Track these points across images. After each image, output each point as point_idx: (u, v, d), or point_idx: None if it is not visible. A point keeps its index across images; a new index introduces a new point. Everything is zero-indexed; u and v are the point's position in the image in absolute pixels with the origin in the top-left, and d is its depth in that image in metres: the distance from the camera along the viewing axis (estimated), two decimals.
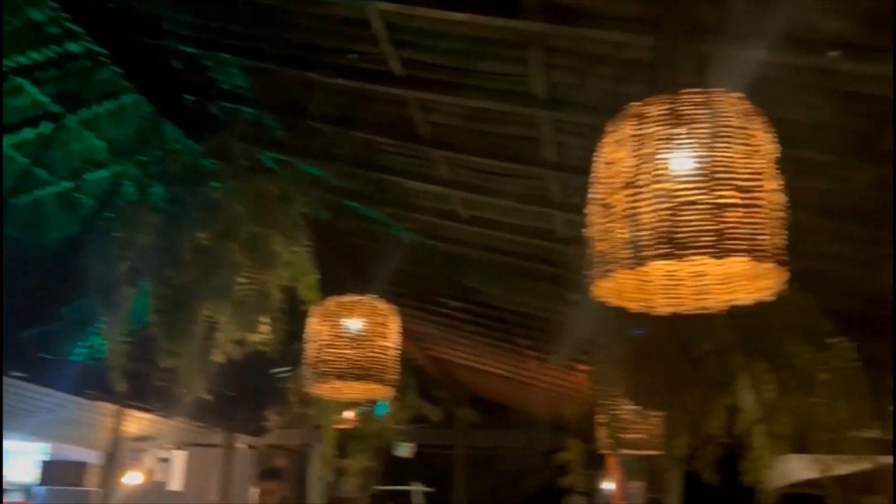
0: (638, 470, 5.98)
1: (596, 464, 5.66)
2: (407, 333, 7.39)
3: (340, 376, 3.15)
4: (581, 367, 4.61)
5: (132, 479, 7.35)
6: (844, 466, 4.15)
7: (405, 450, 7.94)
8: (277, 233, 3.39)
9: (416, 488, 9.12)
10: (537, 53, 2.67)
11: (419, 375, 8.07)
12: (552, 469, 5.47)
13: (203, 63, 3.57)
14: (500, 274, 5.36)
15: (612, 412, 3.69)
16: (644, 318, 2.54)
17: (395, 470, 9.65)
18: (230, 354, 3.26)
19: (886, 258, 3.31)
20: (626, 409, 3.70)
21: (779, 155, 1.56)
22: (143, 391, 5.23)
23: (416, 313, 7.06)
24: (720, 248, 1.44)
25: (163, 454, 7.39)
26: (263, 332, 3.21)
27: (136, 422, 6.20)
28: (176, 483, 7.32)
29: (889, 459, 4.62)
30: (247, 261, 3.18)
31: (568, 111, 2.95)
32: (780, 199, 1.53)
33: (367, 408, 5.96)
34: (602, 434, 4.05)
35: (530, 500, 10.04)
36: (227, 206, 3.35)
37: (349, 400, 3.56)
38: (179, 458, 7.37)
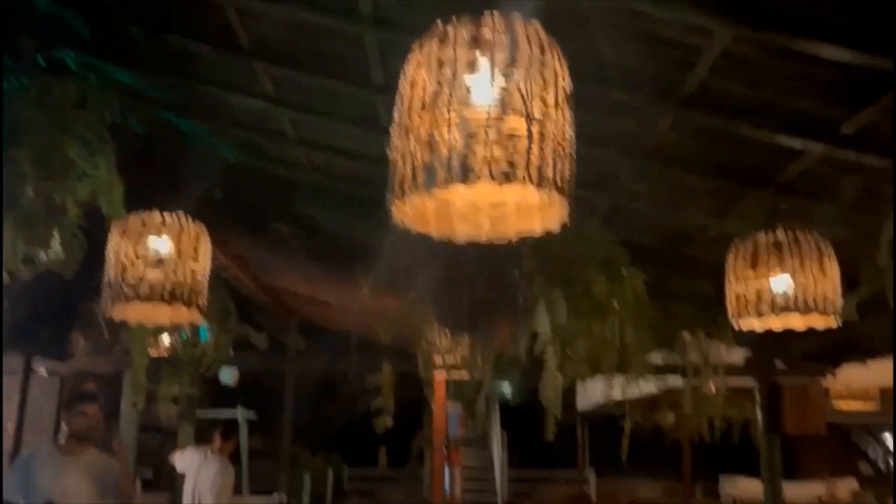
0: (457, 392, 6.26)
1: (419, 387, 5.84)
2: (233, 258, 7.15)
3: (145, 299, 2.97)
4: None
5: None
6: (638, 388, 4.56)
7: (229, 376, 7.78)
8: (75, 141, 3.09)
9: (241, 414, 9.01)
10: None
11: (246, 301, 7.87)
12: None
13: None
14: (332, 199, 5.27)
15: (426, 337, 3.79)
16: (454, 245, 2.59)
17: (224, 397, 9.48)
18: (17, 273, 2.97)
19: (683, 197, 3.58)
20: (441, 334, 3.82)
21: (572, 89, 1.59)
22: None
23: (244, 237, 6.82)
24: (508, 175, 1.47)
25: None
26: (56, 250, 2.95)
27: None
28: None
29: (676, 380, 5.13)
30: (36, 170, 2.87)
31: (392, 31, 2.88)
32: (570, 132, 1.57)
33: (188, 333, 5.75)
34: (420, 358, 4.17)
35: (358, 424, 10.26)
36: (15, 109, 3.00)
37: (157, 324, 3.39)
38: None
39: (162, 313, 3.17)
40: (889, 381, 7.13)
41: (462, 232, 1.85)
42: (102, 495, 3.71)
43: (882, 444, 16.06)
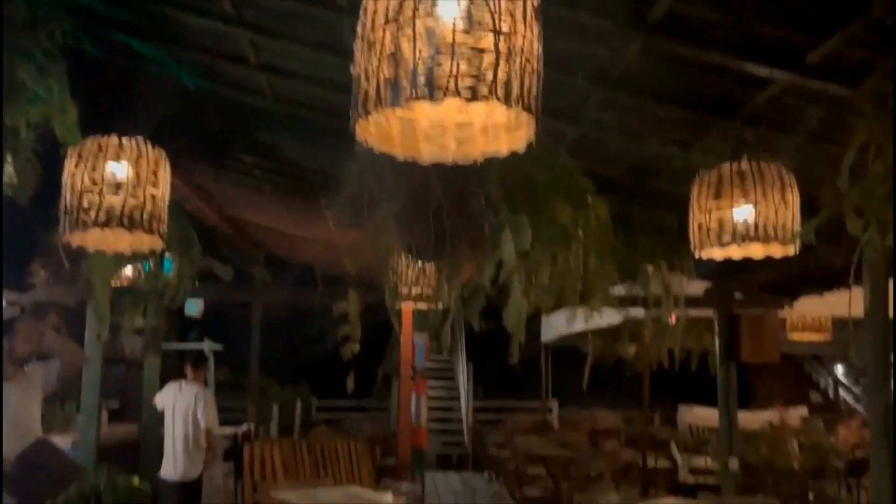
0: (423, 323, 6.33)
1: (385, 318, 5.89)
2: (195, 190, 7.02)
3: (103, 225, 2.90)
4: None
5: None
6: (600, 319, 4.64)
7: (194, 308, 7.74)
8: (25, 62, 2.96)
9: (207, 346, 9.02)
10: None
11: (209, 233, 7.78)
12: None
13: None
14: (295, 128, 5.17)
15: (392, 267, 3.79)
16: (419, 172, 2.56)
17: (190, 329, 9.48)
18: None
19: (649, 127, 3.58)
20: (407, 264, 3.82)
21: (540, 4, 1.56)
22: None
23: (207, 168, 6.69)
24: (474, 91, 1.44)
25: None
26: (9, 173, 2.86)
27: None
28: None
29: (638, 312, 5.23)
30: None
31: None
32: (538, 48, 1.54)
33: (151, 264, 5.67)
34: (386, 288, 4.18)
35: (325, 356, 10.35)
36: None
37: (117, 250, 3.32)
38: None
39: (122, 240, 3.11)
40: (842, 312, 7.37)
41: (427, 152, 1.82)
42: (53, 389, 3.96)
43: (832, 373, 16.76)
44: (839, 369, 16.62)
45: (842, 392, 16.38)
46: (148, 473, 6.64)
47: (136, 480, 5.60)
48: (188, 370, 5.82)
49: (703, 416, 10.79)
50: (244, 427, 7.50)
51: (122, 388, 8.28)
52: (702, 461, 8.55)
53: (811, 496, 5.77)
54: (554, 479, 7.19)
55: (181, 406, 5.62)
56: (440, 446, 13.43)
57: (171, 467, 5.50)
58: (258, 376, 9.87)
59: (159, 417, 6.74)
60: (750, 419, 8.99)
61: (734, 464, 6.30)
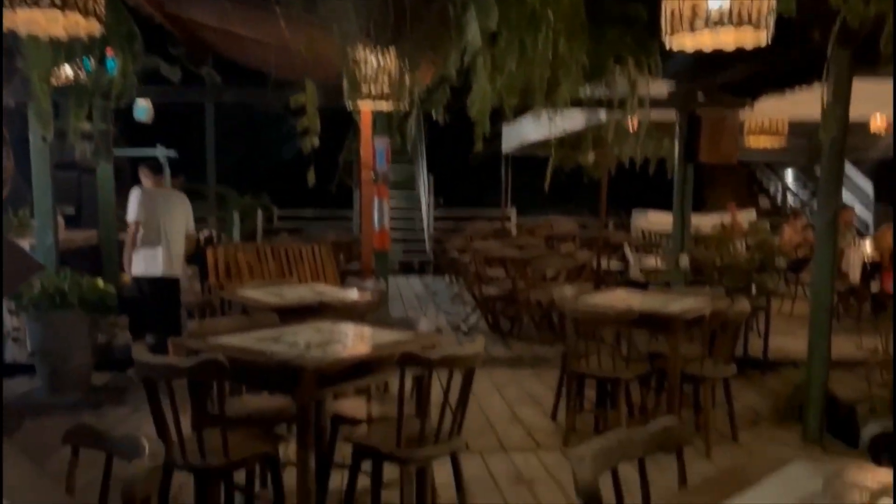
0: (384, 126, 6.20)
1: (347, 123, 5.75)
2: None
3: (32, 3, 2.64)
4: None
5: None
6: (562, 124, 4.56)
7: (143, 112, 7.42)
8: None
9: (160, 152, 8.76)
10: None
11: (155, 31, 7.29)
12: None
13: None
14: None
15: (351, 58, 3.60)
16: None
17: (142, 135, 9.15)
18: None
19: None
20: (366, 61, 3.62)
21: None
22: None
23: None
24: None
25: None
26: None
27: None
28: None
29: (600, 117, 5.17)
30: None
31: None
32: None
33: (92, 63, 5.34)
34: (345, 83, 4.00)
35: (286, 168, 10.24)
36: None
37: (51, 35, 3.06)
38: None
39: (55, 22, 2.86)
40: (800, 114, 7.44)
41: None
42: None
43: (781, 179, 17.31)
44: (789, 175, 17.13)
45: (790, 197, 17.01)
46: (112, 277, 6.71)
47: (99, 282, 5.65)
48: (146, 176, 5.70)
49: (655, 220, 11.15)
50: (206, 232, 7.51)
51: (76, 193, 8.12)
52: (652, 261, 8.95)
53: (753, 288, 6.12)
54: (512, 279, 7.47)
55: (174, 210, 5.74)
56: (402, 254, 13.78)
57: (161, 264, 5.70)
58: (216, 183, 9.75)
59: (118, 223, 6.68)
60: (702, 222, 9.31)
61: (684, 260, 6.60)
